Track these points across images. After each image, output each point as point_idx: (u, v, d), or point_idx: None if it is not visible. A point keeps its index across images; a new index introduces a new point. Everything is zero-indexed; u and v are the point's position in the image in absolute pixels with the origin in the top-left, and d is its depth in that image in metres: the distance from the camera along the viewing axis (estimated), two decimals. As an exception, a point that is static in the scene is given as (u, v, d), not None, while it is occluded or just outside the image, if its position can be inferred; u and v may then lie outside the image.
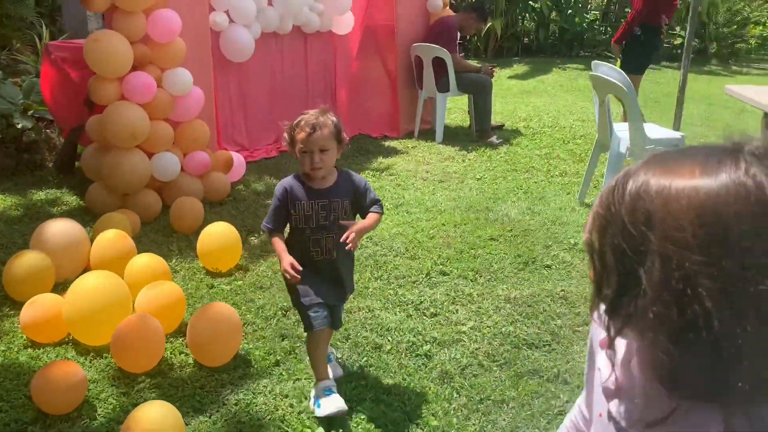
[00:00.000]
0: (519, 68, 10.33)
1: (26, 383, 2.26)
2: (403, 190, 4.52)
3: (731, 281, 0.64)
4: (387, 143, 5.75)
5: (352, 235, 2.11)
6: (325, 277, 2.23)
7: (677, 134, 4.06)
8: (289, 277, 2.10)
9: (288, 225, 2.23)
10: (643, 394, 0.77)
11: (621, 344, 0.80)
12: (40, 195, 4.20)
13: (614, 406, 0.82)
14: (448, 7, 6.14)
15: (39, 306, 2.50)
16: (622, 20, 12.51)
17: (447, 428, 2.20)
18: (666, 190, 0.68)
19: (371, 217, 2.24)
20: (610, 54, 10.88)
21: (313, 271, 2.19)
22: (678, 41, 12.54)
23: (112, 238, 3.00)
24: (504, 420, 2.24)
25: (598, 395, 0.87)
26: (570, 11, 12.08)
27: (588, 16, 12.51)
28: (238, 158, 4.52)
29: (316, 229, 2.18)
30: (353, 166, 4.92)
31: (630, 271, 0.70)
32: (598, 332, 0.90)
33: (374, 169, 5.00)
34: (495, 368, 2.54)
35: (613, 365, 0.81)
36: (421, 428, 2.19)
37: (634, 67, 5.49)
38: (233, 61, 4.89)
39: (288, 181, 2.22)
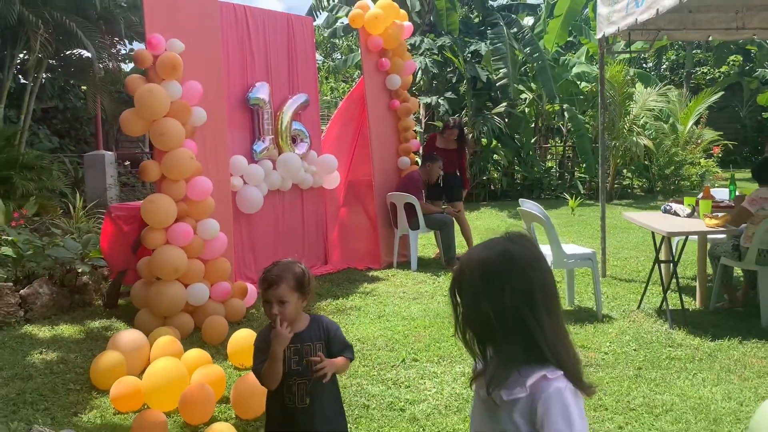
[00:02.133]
0: (485, 211, 11.82)
1: (119, 433, 3.24)
2: (384, 306, 5.64)
3: (500, 303, 1.37)
4: (371, 273, 6.93)
5: (326, 364, 2.20)
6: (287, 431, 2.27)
7: (589, 250, 5.30)
8: (280, 333, 2.16)
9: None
10: (493, 370, 1.43)
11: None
12: (95, 324, 5.27)
13: (478, 383, 1.48)
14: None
15: (124, 384, 3.53)
16: (575, 169, 14.37)
17: (414, 446, 3.18)
18: (470, 260, 1.45)
19: (343, 360, 2.31)
20: (565, 196, 12.51)
21: (276, 425, 2.28)
22: (626, 182, 14.32)
23: (166, 341, 4.08)
24: (454, 440, 3.23)
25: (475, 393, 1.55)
26: (530, 161, 13.89)
27: (544, 165, 14.33)
28: (251, 288, 5.66)
29: (288, 375, 2.22)
30: (344, 292, 6.08)
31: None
32: None
33: (360, 292, 6.14)
34: (451, 414, 3.54)
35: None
36: (396, 447, 3.17)
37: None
38: (246, 212, 6.20)
39: (264, 331, 2.31)
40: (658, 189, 13.91)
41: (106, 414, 3.56)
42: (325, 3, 15.10)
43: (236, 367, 4.27)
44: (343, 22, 15.52)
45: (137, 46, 13.17)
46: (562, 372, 1.38)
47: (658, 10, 4.61)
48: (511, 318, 1.38)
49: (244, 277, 6.20)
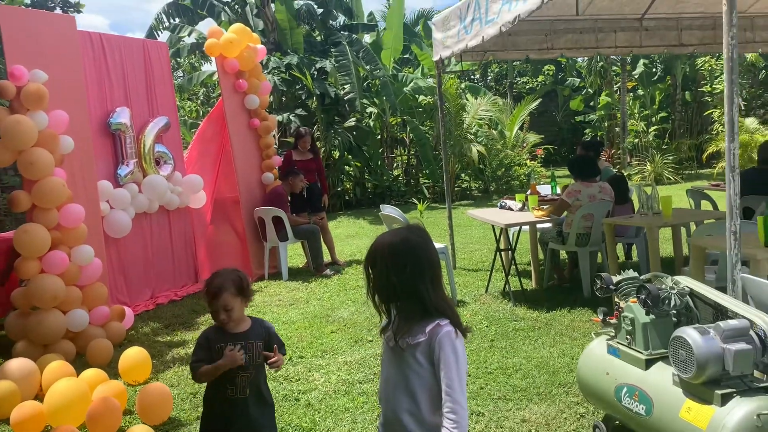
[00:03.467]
0: (343, 219, 12.45)
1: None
2: (263, 314, 5.99)
3: (402, 275, 1.86)
4: (244, 287, 7.22)
5: (280, 358, 2.59)
6: (229, 418, 2.53)
7: (441, 245, 6.05)
8: (235, 357, 2.47)
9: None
10: (397, 324, 1.92)
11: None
12: (-36, 361, 5.10)
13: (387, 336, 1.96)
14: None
15: (25, 409, 3.62)
16: (420, 176, 15.42)
17: (313, 425, 3.63)
18: (382, 243, 1.94)
19: (279, 354, 2.63)
20: (413, 201, 13.46)
21: (220, 415, 2.55)
22: (465, 185, 15.65)
23: (58, 365, 4.16)
24: (346, 418, 3.72)
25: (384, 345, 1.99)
26: (379, 171, 14.76)
27: (392, 173, 15.29)
28: (128, 311, 5.75)
29: (233, 369, 2.50)
30: (221, 305, 6.32)
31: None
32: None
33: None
34: (341, 397, 4.02)
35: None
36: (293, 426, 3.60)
37: None
38: (114, 237, 6.24)
39: (208, 330, 2.60)
40: (492, 189, 15.39)
41: (9, 441, 3.62)
42: (166, 23, 14.96)
43: (130, 384, 4.44)
44: (184, 41, 15.46)
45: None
46: (448, 320, 1.92)
47: (483, 37, 5.45)
48: (410, 285, 1.89)
49: (117, 301, 6.23)
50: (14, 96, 4.82)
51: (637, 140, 17.78)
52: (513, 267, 6.08)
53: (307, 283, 7.10)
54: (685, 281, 2.94)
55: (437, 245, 6.09)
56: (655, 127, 18.30)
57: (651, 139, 17.78)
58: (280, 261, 7.48)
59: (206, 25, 16.56)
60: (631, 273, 3.14)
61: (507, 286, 5.89)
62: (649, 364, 2.88)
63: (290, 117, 13.33)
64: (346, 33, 14.86)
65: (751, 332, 2.57)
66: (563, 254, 6.53)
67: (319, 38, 15.51)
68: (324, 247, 7.81)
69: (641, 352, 2.91)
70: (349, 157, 14.32)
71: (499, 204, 6.59)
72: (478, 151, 14.67)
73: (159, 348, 5.21)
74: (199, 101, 19.08)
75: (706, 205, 6.72)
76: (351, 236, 10.46)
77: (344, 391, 4.09)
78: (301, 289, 6.92)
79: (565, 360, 4.32)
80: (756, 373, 2.61)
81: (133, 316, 5.83)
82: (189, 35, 15.19)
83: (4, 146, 4.75)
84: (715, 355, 2.51)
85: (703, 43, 7.51)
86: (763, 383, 2.55)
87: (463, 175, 15.46)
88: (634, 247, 6.71)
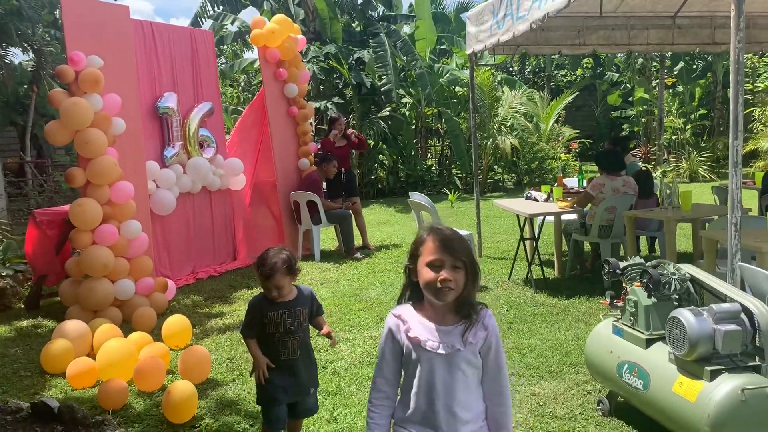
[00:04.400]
0: (375, 207, 12.76)
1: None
2: (296, 291, 6.33)
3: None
4: (278, 266, 7.58)
5: (331, 333, 3.01)
6: (287, 377, 2.85)
7: (467, 232, 6.30)
8: (260, 376, 2.80)
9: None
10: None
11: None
12: (23, 323, 5.56)
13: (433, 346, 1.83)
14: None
15: (79, 364, 4.01)
16: (453, 167, 15.59)
17: (338, 390, 3.94)
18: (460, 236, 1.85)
19: (323, 319, 3.03)
20: (445, 191, 13.67)
21: (278, 372, 2.84)
22: (497, 177, 15.77)
23: (108, 327, 4.56)
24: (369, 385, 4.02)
25: (418, 348, 1.84)
26: (412, 161, 15.00)
27: (425, 163, 15.53)
28: (171, 283, 6.15)
29: (284, 333, 2.82)
30: (256, 283, 6.68)
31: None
32: (392, 320, 1.88)
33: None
34: (365, 366, 4.33)
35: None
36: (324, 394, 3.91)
37: None
38: (159, 214, 6.65)
39: (257, 299, 2.89)
40: (525, 182, 15.48)
41: (66, 391, 4.02)
42: (210, 11, 15.42)
43: (172, 348, 4.82)
44: (227, 29, 15.91)
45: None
46: (482, 304, 1.93)
47: (514, 33, 5.66)
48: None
49: (161, 274, 6.64)
50: (73, 80, 5.23)
51: (674, 137, 17.63)
52: (536, 256, 6.28)
53: (338, 265, 7.42)
54: (687, 268, 3.15)
55: (463, 232, 6.35)
56: (693, 124, 18.10)
57: (688, 136, 17.60)
58: (313, 243, 7.81)
59: (248, 14, 17.00)
60: (638, 259, 3.36)
61: (529, 273, 6.11)
62: (649, 343, 3.10)
63: (327, 105, 13.65)
64: (385, 23, 15.09)
65: (742, 316, 2.77)
66: (587, 245, 6.71)
67: (358, 29, 15.78)
68: (356, 232, 8.12)
69: (642, 332, 3.13)
70: (384, 146, 14.58)
71: (525, 195, 6.80)
72: (511, 143, 14.79)
73: (198, 318, 5.58)
74: (240, 88, 19.55)
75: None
76: (382, 223, 10.75)
77: (368, 362, 4.39)
78: (332, 270, 7.24)
79: (578, 343, 4.54)
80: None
81: (175, 288, 6.23)
82: (232, 23, 15.62)
83: (62, 126, 5.17)
84: (707, 334, 2.73)
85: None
86: (751, 363, 2.76)
87: (496, 167, 15.60)
88: (657, 242, 6.84)
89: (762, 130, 15.90)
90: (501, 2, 5.93)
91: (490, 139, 14.62)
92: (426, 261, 1.82)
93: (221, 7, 15.43)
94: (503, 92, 16.10)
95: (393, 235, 9.33)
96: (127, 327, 5.33)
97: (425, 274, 1.81)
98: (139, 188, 5.94)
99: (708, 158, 16.17)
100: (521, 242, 6.42)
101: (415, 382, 1.87)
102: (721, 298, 2.92)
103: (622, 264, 3.36)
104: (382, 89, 13.93)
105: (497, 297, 5.79)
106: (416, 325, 1.87)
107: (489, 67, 16.60)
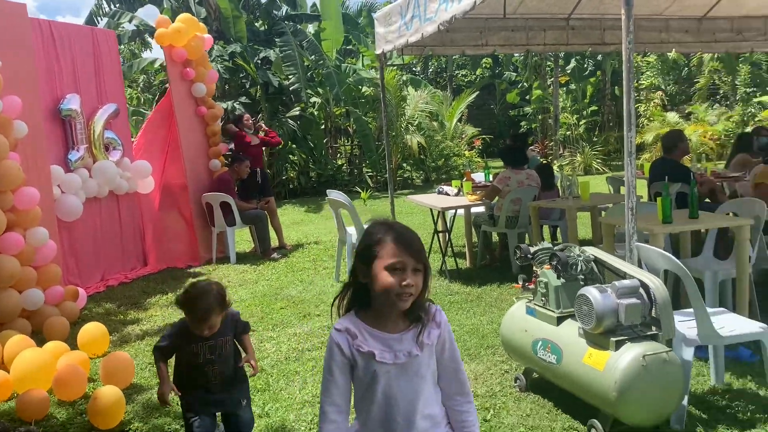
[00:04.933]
0: (288, 207, 12.73)
1: (-1, 418, 3.58)
2: (214, 293, 6.27)
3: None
4: (192, 269, 7.47)
5: (253, 364, 2.88)
6: (210, 394, 2.81)
7: (385, 227, 6.47)
8: (163, 399, 2.73)
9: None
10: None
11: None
12: None
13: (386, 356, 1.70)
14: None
15: (-9, 377, 3.83)
16: (363, 166, 15.78)
17: (267, 387, 3.98)
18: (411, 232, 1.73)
19: (247, 340, 2.97)
20: (357, 189, 13.85)
21: (201, 390, 2.81)
22: (406, 175, 16.13)
23: (19, 338, 4.37)
24: (297, 380, 4.10)
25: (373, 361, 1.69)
26: (323, 160, 15.07)
27: (336, 163, 15.64)
28: (82, 291, 5.93)
29: (205, 363, 2.77)
30: (171, 287, 6.57)
31: None
32: (338, 337, 1.70)
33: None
34: (292, 362, 4.38)
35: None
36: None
37: None
38: (65, 220, 6.38)
39: (179, 328, 2.81)
40: (433, 179, 15.94)
41: (-23, 407, 3.84)
42: (106, 9, 14.81)
43: (90, 357, 4.67)
44: (124, 28, 15.32)
45: None
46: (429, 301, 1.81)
47: (423, 34, 5.87)
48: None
49: (69, 282, 6.38)
50: (-31, 81, 4.94)
51: (569, 132, 18.68)
52: (449, 248, 6.55)
53: (256, 266, 7.39)
54: (591, 250, 3.45)
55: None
56: (586, 120, 19.25)
57: (582, 131, 18.71)
58: (227, 245, 7.74)
59: (146, 12, 16.44)
60: (546, 244, 3.63)
61: (443, 265, 6.37)
62: (559, 320, 3.37)
63: (234, 105, 13.47)
64: (290, 23, 15.06)
65: (641, 290, 3.08)
66: (495, 236, 7.06)
67: (262, 28, 15.65)
68: (272, 233, 8.11)
69: (553, 311, 3.40)
70: (294, 146, 14.57)
71: (437, 189, 7.07)
72: (418, 142, 15.17)
73: (114, 325, 5.43)
74: (139, 88, 18.90)
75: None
76: (296, 223, 10.76)
77: (295, 358, 4.46)
78: (249, 271, 7.21)
79: (493, 326, 4.81)
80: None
81: (85, 296, 6.01)
82: (129, 22, 15.07)
83: (-41, 130, 4.87)
84: (611, 309, 3.01)
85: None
86: (649, 332, 3.07)
87: (404, 165, 15.94)
88: (559, 230, 7.29)
89: (647, 125, 17.14)
90: (408, 4, 6.13)
91: (398, 138, 14.93)
92: (385, 264, 1.66)
93: (117, 5, 14.85)
94: (408, 92, 16.48)
95: (309, 234, 9.38)
96: (38, 338, 5.10)
97: (384, 279, 1.66)
98: (44, 193, 5.69)
99: (600, 152, 17.27)
100: (435, 235, 6.67)
101: (373, 398, 1.73)
102: (621, 275, 3.23)
103: (532, 249, 3.62)
104: (290, 89, 13.91)
105: (415, 289, 5.99)
106: (367, 338, 1.72)
107: (395, 67, 16.94)
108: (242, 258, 7.87)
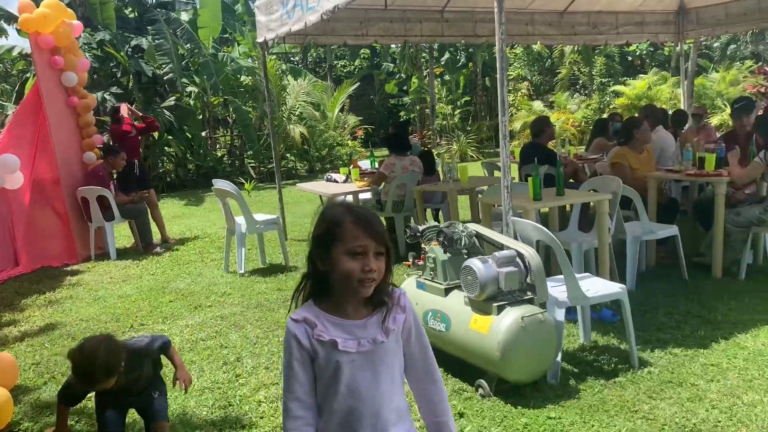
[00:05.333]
0: (167, 201, 12.32)
1: None
2: (96, 291, 6.03)
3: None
4: (69, 268, 7.10)
5: (184, 380, 2.93)
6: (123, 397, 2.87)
7: (274, 216, 6.52)
8: None
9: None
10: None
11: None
12: None
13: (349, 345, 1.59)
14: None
15: None
16: (245, 156, 15.55)
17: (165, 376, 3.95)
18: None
19: (171, 354, 3.00)
20: (240, 180, 13.66)
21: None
22: (290, 165, 16.09)
23: None
24: (194, 368, 4.09)
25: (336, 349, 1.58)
26: (202, 151, 14.68)
27: (216, 154, 15.30)
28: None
29: (117, 396, 2.83)
30: (48, 287, 6.24)
31: None
32: (295, 327, 1.58)
33: (67, 284, 6.35)
34: (186, 352, 4.36)
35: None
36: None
37: None
38: None
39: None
40: (318, 168, 16.01)
41: None
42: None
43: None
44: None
45: None
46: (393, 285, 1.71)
47: (306, 23, 5.95)
48: None
49: (-71, 288, 5.90)
50: None
51: (444, 122, 19.41)
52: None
53: (138, 261, 7.16)
54: (473, 226, 3.73)
55: (270, 216, 6.53)
56: (460, 110, 20.09)
57: (457, 121, 19.51)
58: (106, 241, 7.43)
59: (-1, -5, 15.14)
60: (434, 223, 3.88)
61: (333, 250, 6.50)
62: (447, 292, 3.63)
63: (104, 96, 12.81)
64: (163, 10, 14.50)
65: (518, 259, 3.39)
66: (382, 220, 7.28)
67: (132, 15, 14.95)
68: (154, 227, 7.87)
69: (441, 284, 3.65)
70: (170, 137, 14.08)
71: (326, 177, 7.19)
72: (301, 132, 15.17)
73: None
74: (-6, 80, 17.41)
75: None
76: (178, 216, 10.47)
77: (189, 348, 4.43)
78: (132, 266, 6.98)
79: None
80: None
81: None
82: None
83: None
84: (493, 277, 3.29)
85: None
86: (526, 297, 3.39)
87: (288, 155, 15.89)
88: (441, 212, 7.67)
89: (515, 113, 18.18)
90: (290, -7, 6.18)
91: (281, 128, 14.85)
92: (345, 248, 1.56)
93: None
94: (289, 81, 16.41)
95: (192, 227, 9.18)
96: None
97: (345, 265, 1.55)
98: None
99: (474, 140, 18.12)
100: (324, 222, 6.79)
101: (336, 390, 1.61)
102: (500, 247, 3.53)
103: (421, 227, 3.85)
104: (164, 78, 13.42)
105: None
106: (327, 326, 1.60)
107: (274, 56, 16.79)
108: (123, 254, 7.58)
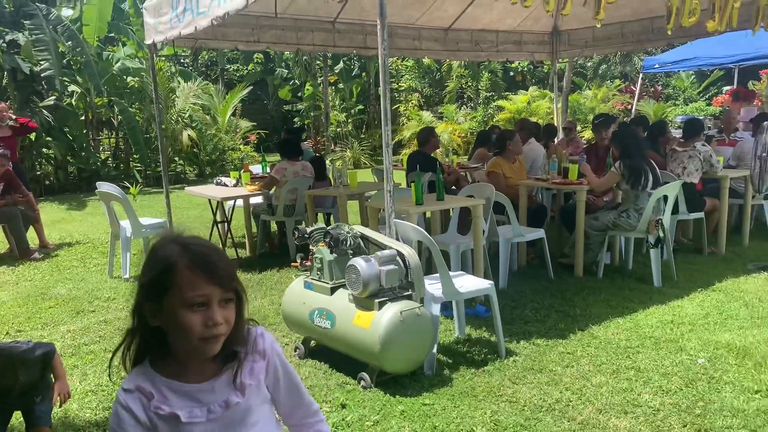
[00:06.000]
0: (46, 205, 11.70)
1: None
2: (-34, 298, 5.73)
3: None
4: (-65, 275, 6.66)
5: (64, 396, 2.87)
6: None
7: (161, 220, 6.45)
8: None
9: None
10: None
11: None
12: None
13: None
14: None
15: None
16: (130, 160, 15.03)
17: (44, 382, 3.86)
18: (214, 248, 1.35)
19: (56, 365, 2.92)
20: (126, 184, 13.22)
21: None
22: (179, 169, 15.72)
23: None
24: (77, 372, 4.03)
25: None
26: (84, 154, 14.03)
27: (100, 157, 14.68)
28: None
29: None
30: None
31: None
32: (128, 399, 1.30)
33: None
34: (66, 358, 4.27)
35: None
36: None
37: None
38: None
39: None
40: (208, 173, 15.74)
41: None
42: None
43: None
44: None
45: None
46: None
47: (196, 27, 5.96)
48: None
49: None
50: None
51: (338, 129, 19.69)
52: (229, 239, 6.74)
53: (14, 267, 6.82)
54: (358, 228, 3.95)
55: (157, 220, 6.46)
56: (354, 118, 20.45)
57: (350, 128, 19.84)
58: (-22, 246, 7.03)
59: None
60: (321, 224, 4.07)
61: (223, 254, 6.53)
62: (333, 291, 3.82)
63: (-25, 93, 11.99)
64: (42, 5, 13.76)
65: (398, 258, 3.65)
66: (273, 225, 7.39)
67: (8, 8, 14.06)
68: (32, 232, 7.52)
69: (327, 283, 3.84)
70: (48, 139, 13.37)
71: (216, 181, 7.19)
72: (190, 135, 14.88)
73: None
74: None
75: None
76: (58, 221, 9.99)
77: (71, 353, 4.35)
78: (6, 272, 6.64)
79: (274, 307, 5.15)
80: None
81: None
82: None
83: None
84: (375, 275, 3.53)
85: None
86: (405, 293, 3.65)
87: (177, 159, 15.52)
88: (332, 217, 7.87)
89: (406, 123, 18.77)
90: (180, -3, 6.17)
91: (169, 131, 14.49)
92: (182, 299, 1.27)
93: None
94: (179, 84, 16.04)
95: (73, 232, 8.81)
96: None
97: (185, 320, 1.27)
98: None
99: (367, 147, 18.50)
100: (215, 226, 6.80)
101: None
102: (382, 247, 3.77)
103: (308, 229, 4.03)
104: (43, 76, 12.74)
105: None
106: (167, 395, 1.33)
107: (163, 58, 16.37)
108: (-3, 260, 7.20)
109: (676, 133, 8.14)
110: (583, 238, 5.54)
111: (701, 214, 6.14)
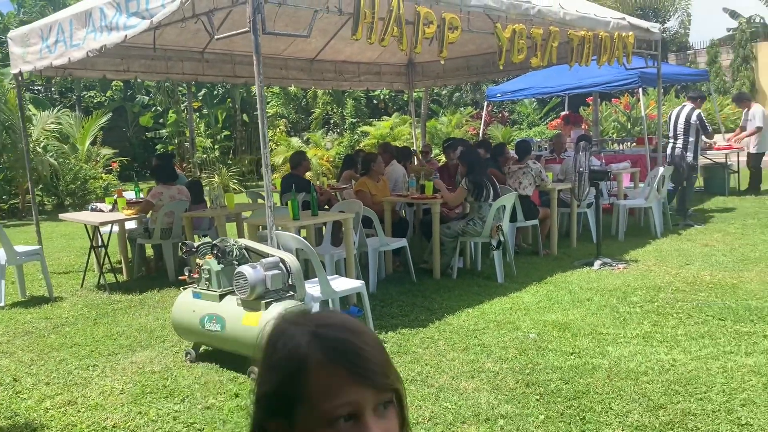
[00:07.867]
0: None
1: None
2: None
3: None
4: None
5: None
6: None
7: (36, 247, 6.47)
8: None
9: None
10: None
11: None
12: None
13: None
14: None
15: None
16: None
17: None
18: None
19: None
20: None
21: None
22: (37, 200, 15.01)
23: None
24: (-32, 391, 4.13)
25: None
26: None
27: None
28: None
29: None
30: None
31: None
32: None
33: None
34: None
35: None
36: None
37: None
38: None
39: None
40: (68, 203, 15.19)
41: None
42: None
43: None
44: None
45: None
46: None
47: (69, 59, 6.15)
48: None
49: None
50: None
51: (205, 155, 19.70)
52: (107, 264, 6.86)
53: None
54: (242, 241, 4.44)
55: (33, 247, 6.50)
56: (220, 144, 20.56)
57: (217, 154, 19.93)
58: None
59: None
60: (207, 239, 4.50)
61: (102, 278, 6.67)
62: (221, 297, 4.27)
63: None
64: None
65: (281, 264, 4.18)
66: (149, 248, 7.58)
67: None
68: None
69: (216, 291, 4.28)
70: None
71: (90, 207, 7.27)
72: (49, 164, 14.35)
73: None
74: None
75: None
76: None
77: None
78: None
79: (159, 323, 5.44)
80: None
81: None
82: None
83: None
84: (261, 279, 4.03)
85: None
86: (288, 295, 4.18)
87: (35, 189, 14.82)
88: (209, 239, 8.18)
89: (275, 148, 19.20)
90: (50, 29, 6.32)
91: (22, 162, 13.89)
92: (320, 413, 0.89)
93: None
94: (33, 112, 15.40)
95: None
96: None
97: None
98: None
99: (236, 173, 18.70)
100: (91, 251, 6.90)
101: None
102: (265, 255, 4.28)
103: (195, 244, 4.44)
104: None
105: (74, 303, 6.19)
106: None
107: (13, 87, 15.63)
108: None
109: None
110: (439, 245, 6.35)
111: (536, 221, 7.22)
